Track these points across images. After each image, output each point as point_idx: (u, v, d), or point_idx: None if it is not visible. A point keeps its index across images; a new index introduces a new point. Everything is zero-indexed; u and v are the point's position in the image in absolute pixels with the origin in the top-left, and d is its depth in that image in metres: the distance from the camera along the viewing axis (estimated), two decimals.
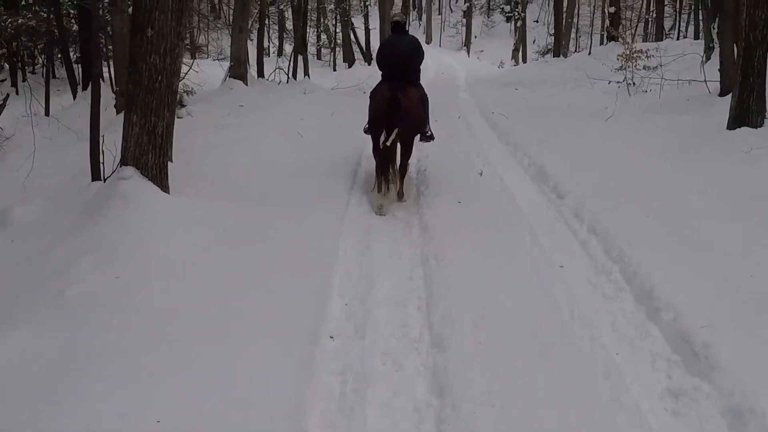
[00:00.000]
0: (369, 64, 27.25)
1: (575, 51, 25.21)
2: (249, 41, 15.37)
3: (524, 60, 28.19)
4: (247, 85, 12.56)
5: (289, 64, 14.46)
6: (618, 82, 13.04)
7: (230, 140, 7.87)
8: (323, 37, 30.17)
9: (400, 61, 6.28)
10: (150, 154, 5.41)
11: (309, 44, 31.39)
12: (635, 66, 13.03)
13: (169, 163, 6.32)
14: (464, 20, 37.91)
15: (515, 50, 30.61)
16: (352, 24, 27.88)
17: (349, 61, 27.23)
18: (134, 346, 3.32)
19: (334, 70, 25.83)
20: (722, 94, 9.64)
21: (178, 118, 9.64)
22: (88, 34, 11.62)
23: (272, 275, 4.25)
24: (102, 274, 4.03)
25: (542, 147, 7.87)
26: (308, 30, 32.70)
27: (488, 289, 4.17)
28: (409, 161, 6.44)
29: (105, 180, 5.67)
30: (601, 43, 22.91)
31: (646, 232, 4.95)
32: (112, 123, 7.70)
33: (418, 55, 6.35)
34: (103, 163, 5.89)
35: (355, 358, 3.43)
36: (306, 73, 15.15)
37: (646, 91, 12.27)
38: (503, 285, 4.24)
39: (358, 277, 4.49)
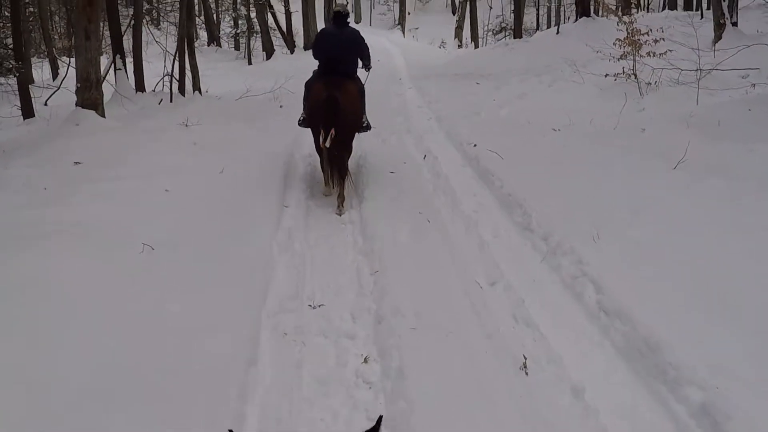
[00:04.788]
0: (292, 52, 23.33)
1: (536, 29, 21.52)
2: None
3: (475, 42, 24.38)
4: (103, 115, 8.62)
5: (171, 74, 10.51)
6: (615, 75, 9.70)
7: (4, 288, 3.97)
8: (240, 23, 25.92)
9: (338, 55, 6.05)
10: None
11: (220, 33, 27.38)
12: (638, 53, 9.67)
13: None
14: None
15: (458, 29, 26.77)
16: (271, 7, 23.64)
17: (268, 50, 23.12)
18: None
19: (249, 63, 21.78)
20: None
21: None
22: None
23: None
24: None
25: (604, 249, 4.32)
26: (220, 16, 28.54)
27: None
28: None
29: None
30: (560, 19, 19.43)
31: None
32: None
33: (358, 49, 6.22)
34: None
35: None
36: (196, 86, 11.02)
37: (650, 84, 9.03)
38: None
39: None
